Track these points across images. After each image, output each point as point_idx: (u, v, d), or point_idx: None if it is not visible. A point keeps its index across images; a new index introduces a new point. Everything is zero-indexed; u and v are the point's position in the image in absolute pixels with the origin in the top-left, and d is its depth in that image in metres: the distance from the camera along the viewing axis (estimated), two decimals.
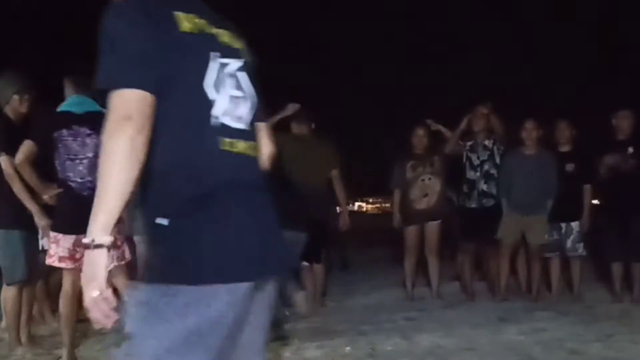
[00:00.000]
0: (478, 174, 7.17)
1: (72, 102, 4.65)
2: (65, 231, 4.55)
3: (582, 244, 7.02)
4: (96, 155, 4.50)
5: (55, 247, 4.58)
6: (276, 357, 4.84)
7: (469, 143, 7.22)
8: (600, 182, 6.98)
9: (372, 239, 13.11)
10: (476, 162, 7.19)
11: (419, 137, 7.24)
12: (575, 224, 6.99)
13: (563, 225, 6.99)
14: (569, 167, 6.94)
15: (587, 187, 6.97)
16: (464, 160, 7.23)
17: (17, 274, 4.98)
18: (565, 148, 7.06)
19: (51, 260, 4.61)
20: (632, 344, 5.04)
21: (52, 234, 4.60)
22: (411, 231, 7.25)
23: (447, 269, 8.37)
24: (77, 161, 4.56)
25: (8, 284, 5.03)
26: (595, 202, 7.25)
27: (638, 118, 6.92)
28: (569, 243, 7.01)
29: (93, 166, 4.50)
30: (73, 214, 4.33)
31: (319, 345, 5.11)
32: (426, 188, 7.17)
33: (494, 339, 5.27)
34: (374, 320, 6.11)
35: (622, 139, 6.91)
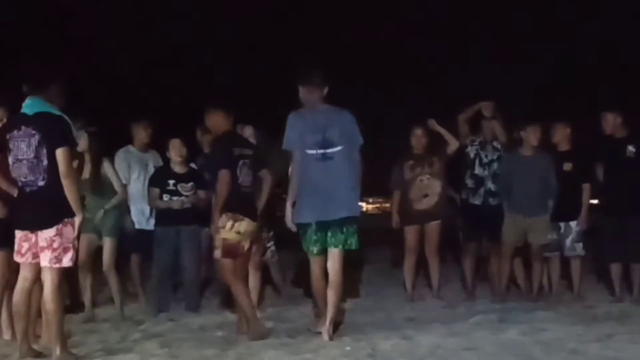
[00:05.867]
0: (487, 172, 7.18)
1: (25, 104, 4.75)
2: (16, 227, 4.74)
3: (580, 244, 7.02)
4: (36, 156, 4.58)
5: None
6: (276, 356, 4.83)
7: (479, 139, 7.22)
8: (598, 182, 6.99)
9: (372, 239, 13.09)
10: (485, 160, 7.19)
11: (418, 137, 7.22)
12: (574, 224, 6.99)
13: (562, 224, 7.00)
14: (567, 166, 6.94)
15: (586, 187, 6.97)
16: (473, 156, 7.21)
17: None
18: (563, 147, 7.06)
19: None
20: (632, 344, 5.04)
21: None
22: (411, 231, 7.24)
23: (448, 269, 8.38)
24: (25, 162, 4.64)
25: None
26: (594, 201, 7.25)
27: (627, 116, 6.91)
28: (567, 243, 7.01)
29: (34, 166, 4.61)
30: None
31: (319, 345, 5.11)
32: (425, 188, 7.15)
33: (494, 339, 5.27)
34: (374, 320, 6.11)
35: (620, 137, 6.89)
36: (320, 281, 5.39)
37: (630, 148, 6.82)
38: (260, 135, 6.68)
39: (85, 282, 6.43)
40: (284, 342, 5.24)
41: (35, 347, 4.90)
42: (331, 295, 5.29)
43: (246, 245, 5.61)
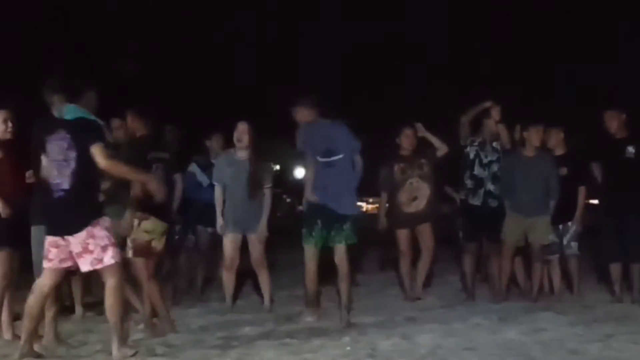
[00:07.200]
0: (486, 172, 7.15)
1: (63, 110, 4.82)
2: (46, 233, 4.77)
3: (576, 243, 7.03)
4: (65, 159, 4.62)
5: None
6: (276, 356, 4.84)
7: (478, 140, 7.21)
8: (596, 182, 7.01)
9: (371, 239, 13.08)
10: (485, 160, 7.18)
11: (410, 137, 7.14)
12: (571, 224, 7.01)
13: (560, 226, 7.02)
14: (562, 171, 6.97)
15: (582, 189, 7.00)
16: (472, 156, 7.19)
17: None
18: (558, 152, 7.08)
19: None
20: (632, 344, 5.05)
21: None
22: (402, 235, 7.20)
23: (448, 269, 8.38)
24: (54, 163, 4.69)
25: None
26: (594, 202, 7.26)
27: (630, 116, 6.93)
28: (564, 241, 7.03)
29: (62, 169, 4.65)
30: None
31: (319, 345, 5.12)
32: (415, 191, 7.12)
33: (494, 339, 5.28)
34: (374, 320, 6.12)
35: (620, 137, 6.90)
36: (314, 275, 6.14)
37: (630, 149, 6.83)
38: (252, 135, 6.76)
39: (76, 287, 6.47)
40: (284, 342, 5.25)
41: (36, 347, 4.90)
42: (343, 286, 6.09)
43: (158, 245, 5.74)
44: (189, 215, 7.21)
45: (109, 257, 4.68)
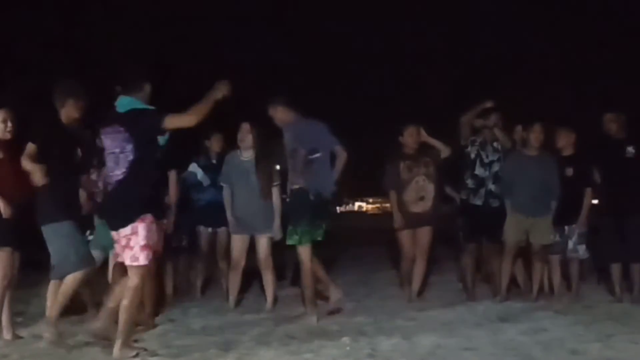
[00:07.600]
0: (487, 172, 7.14)
1: (118, 102, 4.88)
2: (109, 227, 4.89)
3: (583, 246, 7.02)
4: (121, 151, 4.67)
5: None
6: (276, 356, 4.84)
7: (479, 140, 7.20)
8: (597, 183, 7.02)
9: (372, 239, 13.11)
10: (486, 160, 7.16)
11: (414, 135, 7.08)
12: (575, 226, 7.00)
13: (566, 228, 7.01)
14: (569, 171, 6.96)
15: (588, 191, 6.99)
16: (474, 156, 7.18)
17: (68, 266, 5.13)
18: (566, 153, 7.08)
19: None
20: (632, 344, 5.05)
21: None
22: (405, 235, 7.15)
23: (448, 269, 8.38)
24: (110, 155, 4.76)
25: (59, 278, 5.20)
26: (594, 202, 7.26)
27: (629, 117, 6.94)
28: (570, 245, 7.01)
29: (118, 160, 4.70)
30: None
31: (319, 345, 5.12)
32: (421, 190, 7.07)
33: (494, 339, 5.28)
34: (374, 320, 6.12)
35: (619, 138, 6.91)
36: (311, 274, 6.14)
37: (630, 149, 6.85)
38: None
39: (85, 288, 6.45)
40: (284, 342, 5.25)
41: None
42: (323, 277, 6.36)
43: None
44: (189, 215, 7.22)
45: (144, 258, 4.71)
